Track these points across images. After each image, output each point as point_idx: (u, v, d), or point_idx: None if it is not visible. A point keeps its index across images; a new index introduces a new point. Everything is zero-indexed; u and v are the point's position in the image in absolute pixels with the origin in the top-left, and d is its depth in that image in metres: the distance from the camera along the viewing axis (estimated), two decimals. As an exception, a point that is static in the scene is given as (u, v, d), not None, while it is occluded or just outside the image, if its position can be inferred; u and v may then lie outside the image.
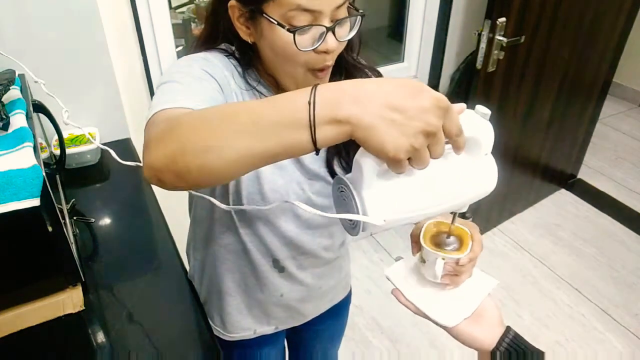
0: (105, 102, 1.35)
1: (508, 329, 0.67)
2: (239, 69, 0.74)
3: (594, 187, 2.78)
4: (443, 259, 0.66)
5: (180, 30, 2.45)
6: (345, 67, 0.79)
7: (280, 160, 0.47)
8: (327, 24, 0.64)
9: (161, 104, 0.57)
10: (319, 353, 1.23)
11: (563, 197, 2.72)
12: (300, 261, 0.92)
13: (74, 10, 1.20)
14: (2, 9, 1.11)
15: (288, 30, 0.63)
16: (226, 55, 0.74)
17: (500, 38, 1.71)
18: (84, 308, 0.85)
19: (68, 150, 1.06)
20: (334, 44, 0.66)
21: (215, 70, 0.69)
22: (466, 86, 2.07)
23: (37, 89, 0.92)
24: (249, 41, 0.71)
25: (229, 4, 0.68)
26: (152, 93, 1.51)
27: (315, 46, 0.65)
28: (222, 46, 0.76)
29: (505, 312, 2.03)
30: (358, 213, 0.48)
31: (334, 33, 0.65)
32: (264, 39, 0.68)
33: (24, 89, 0.95)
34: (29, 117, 0.83)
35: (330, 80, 0.74)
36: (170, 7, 1.59)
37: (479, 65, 1.80)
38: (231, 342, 1.01)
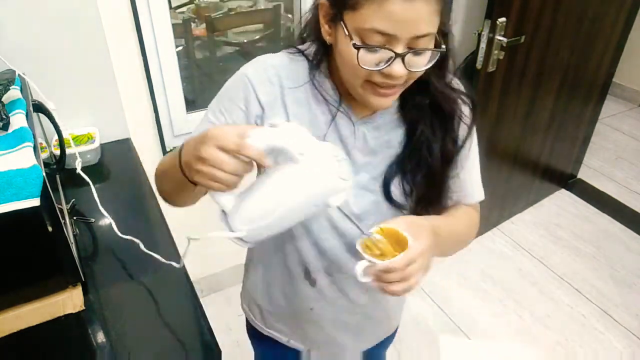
0: (105, 102, 1.35)
1: None
2: (283, 72, 0.76)
3: (594, 187, 2.79)
4: (369, 261, 0.65)
5: (180, 30, 2.45)
6: (433, 93, 0.76)
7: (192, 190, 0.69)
8: (400, 50, 0.62)
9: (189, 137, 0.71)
10: None
11: (563, 197, 2.72)
12: (335, 278, 0.87)
13: (74, 11, 1.20)
14: (2, 10, 1.11)
15: (354, 45, 0.62)
16: (292, 53, 0.78)
17: (500, 38, 1.71)
18: (84, 308, 0.85)
19: (68, 150, 1.05)
20: (400, 72, 0.63)
21: (230, 105, 0.76)
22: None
23: (37, 91, 0.92)
24: (327, 41, 0.71)
25: (320, 1, 0.69)
26: (152, 93, 1.51)
27: (379, 67, 0.64)
28: (300, 46, 0.79)
29: (505, 312, 2.04)
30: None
31: (403, 61, 0.63)
32: (337, 43, 0.68)
33: (24, 89, 0.95)
34: (29, 117, 0.83)
35: (414, 103, 0.76)
36: (170, 7, 1.59)
37: (479, 65, 1.80)
38: (267, 337, 1.02)
